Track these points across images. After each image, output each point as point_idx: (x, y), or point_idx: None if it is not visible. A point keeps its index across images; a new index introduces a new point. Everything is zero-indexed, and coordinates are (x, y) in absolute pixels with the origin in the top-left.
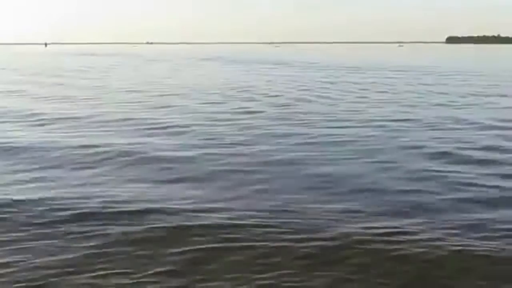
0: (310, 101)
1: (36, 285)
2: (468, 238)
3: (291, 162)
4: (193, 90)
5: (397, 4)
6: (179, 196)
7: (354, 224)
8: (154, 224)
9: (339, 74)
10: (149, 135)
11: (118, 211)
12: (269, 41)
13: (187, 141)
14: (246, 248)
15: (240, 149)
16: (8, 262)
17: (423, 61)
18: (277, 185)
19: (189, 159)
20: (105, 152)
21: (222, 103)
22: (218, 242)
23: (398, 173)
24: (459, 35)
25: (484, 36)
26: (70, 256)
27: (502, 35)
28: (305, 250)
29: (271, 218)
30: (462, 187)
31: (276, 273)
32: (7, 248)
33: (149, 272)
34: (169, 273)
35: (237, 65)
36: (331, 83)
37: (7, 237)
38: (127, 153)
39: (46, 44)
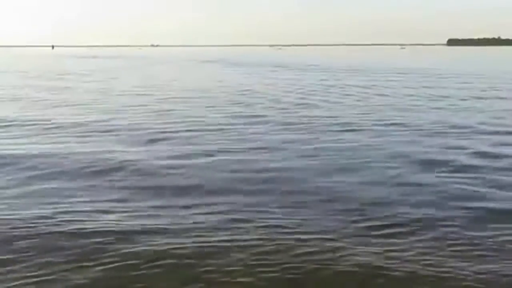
0: (308, 105)
1: None
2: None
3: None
4: (195, 94)
5: (399, 6)
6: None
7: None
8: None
9: (340, 77)
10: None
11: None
12: (271, 44)
13: (187, 149)
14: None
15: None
16: None
17: (425, 63)
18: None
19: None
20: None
21: (220, 107)
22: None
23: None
24: (460, 37)
25: (484, 38)
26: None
27: (503, 37)
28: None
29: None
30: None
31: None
32: None
33: None
34: None
35: (237, 67)
36: (332, 86)
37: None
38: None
39: (53, 47)
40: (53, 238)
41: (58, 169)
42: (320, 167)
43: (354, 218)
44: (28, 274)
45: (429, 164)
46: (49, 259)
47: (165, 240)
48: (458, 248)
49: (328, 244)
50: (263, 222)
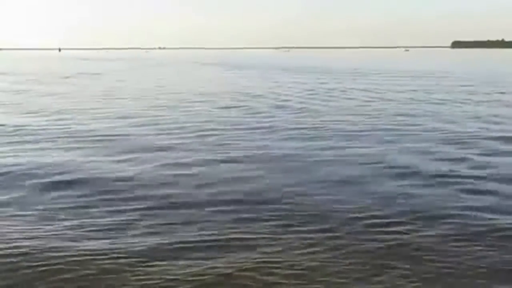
0: (309, 109)
1: None
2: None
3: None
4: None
5: (403, 9)
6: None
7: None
8: None
9: (343, 80)
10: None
11: None
12: (277, 46)
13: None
14: None
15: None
16: None
17: (429, 65)
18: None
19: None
20: None
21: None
22: None
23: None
24: (464, 40)
25: (488, 41)
26: None
27: (506, 39)
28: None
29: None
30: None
31: None
32: None
33: None
34: None
35: (238, 70)
36: (334, 89)
37: None
38: None
39: (60, 49)
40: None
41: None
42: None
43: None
44: None
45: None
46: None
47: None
48: None
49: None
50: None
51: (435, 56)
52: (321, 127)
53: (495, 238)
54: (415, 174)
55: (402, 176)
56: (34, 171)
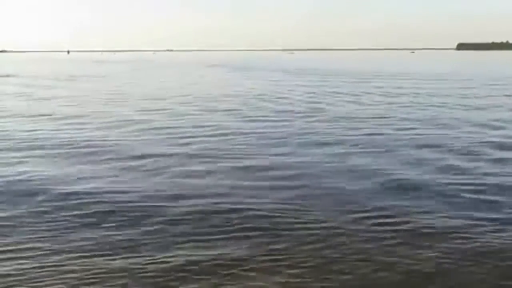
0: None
1: None
2: None
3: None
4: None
5: (409, 11)
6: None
7: None
8: None
9: (345, 82)
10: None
11: None
12: (284, 48)
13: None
14: None
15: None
16: None
17: (434, 67)
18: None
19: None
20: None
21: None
22: None
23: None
24: (469, 42)
25: (493, 43)
26: None
27: (511, 41)
28: None
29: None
30: None
31: None
32: None
33: None
34: None
35: (243, 72)
36: (339, 93)
37: None
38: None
39: (68, 52)
40: None
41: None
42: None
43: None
44: None
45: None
46: None
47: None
48: None
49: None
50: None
51: (441, 58)
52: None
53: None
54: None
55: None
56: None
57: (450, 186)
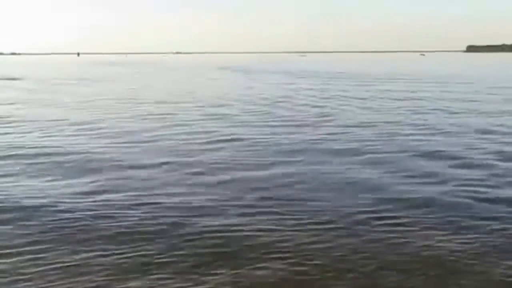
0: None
1: None
2: None
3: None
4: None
5: (418, 13)
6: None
7: None
8: None
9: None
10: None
11: None
12: (294, 50)
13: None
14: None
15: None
16: None
17: (444, 69)
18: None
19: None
20: None
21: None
22: None
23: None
24: (478, 44)
25: (503, 45)
26: None
27: None
28: None
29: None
30: None
31: None
32: None
33: None
34: None
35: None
36: (348, 97)
37: None
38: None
39: (78, 54)
40: None
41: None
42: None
43: None
44: None
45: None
46: None
47: None
48: None
49: None
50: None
51: (452, 60)
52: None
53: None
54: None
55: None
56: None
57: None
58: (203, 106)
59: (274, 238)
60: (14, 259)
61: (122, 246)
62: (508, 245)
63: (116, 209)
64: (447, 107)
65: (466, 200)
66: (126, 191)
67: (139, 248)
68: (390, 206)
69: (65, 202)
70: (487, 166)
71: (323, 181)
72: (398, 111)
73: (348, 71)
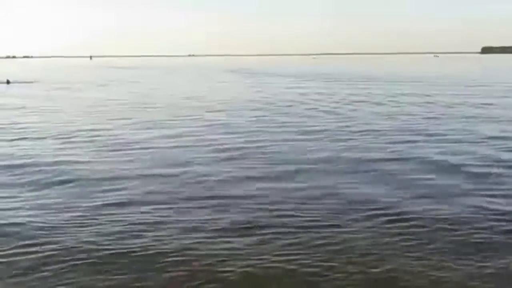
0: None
1: None
2: None
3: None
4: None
5: (431, 14)
6: None
7: None
8: None
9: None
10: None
11: None
12: (306, 53)
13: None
14: None
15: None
16: None
17: (458, 72)
18: None
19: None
20: None
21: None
22: None
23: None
24: (494, 45)
25: None
26: None
27: None
28: None
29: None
30: None
31: None
32: None
33: None
34: None
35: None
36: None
37: None
38: None
39: (91, 57)
40: None
41: None
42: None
43: None
44: None
45: None
46: None
47: None
48: None
49: None
50: None
51: (467, 63)
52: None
53: None
54: None
55: None
56: None
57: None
58: (215, 111)
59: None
60: None
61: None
62: None
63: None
64: (460, 111)
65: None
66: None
67: None
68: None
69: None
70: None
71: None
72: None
73: (360, 73)
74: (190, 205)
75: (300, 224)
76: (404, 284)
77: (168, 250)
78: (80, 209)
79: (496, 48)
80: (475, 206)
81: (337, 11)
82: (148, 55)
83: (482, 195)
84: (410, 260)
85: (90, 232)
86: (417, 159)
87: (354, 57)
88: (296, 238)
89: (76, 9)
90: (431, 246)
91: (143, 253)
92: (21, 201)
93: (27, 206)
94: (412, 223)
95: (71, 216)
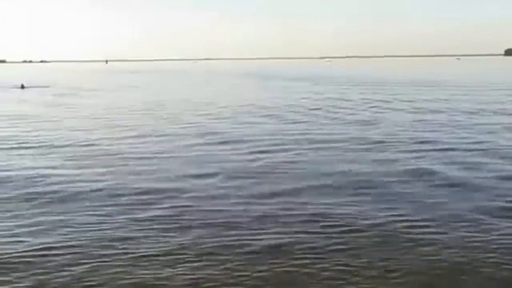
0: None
1: None
2: None
3: None
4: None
5: (454, 17)
6: None
7: None
8: None
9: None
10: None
11: None
12: (321, 56)
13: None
14: None
15: None
16: None
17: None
18: None
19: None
20: None
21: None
22: None
23: None
24: None
25: None
26: None
27: None
28: None
29: None
30: None
31: None
32: None
33: None
34: None
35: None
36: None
37: None
38: None
39: (106, 61)
40: None
41: None
42: None
43: None
44: None
45: None
46: None
47: None
48: None
49: None
50: None
51: (492, 65)
52: None
53: None
54: None
55: None
56: None
57: None
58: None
59: None
60: None
61: None
62: None
63: None
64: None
65: None
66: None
67: None
68: None
69: None
70: None
71: None
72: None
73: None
74: (217, 220)
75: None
76: None
77: None
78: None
79: None
80: None
81: (352, 14)
82: (166, 59)
83: None
84: None
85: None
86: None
87: (370, 61)
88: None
89: (91, 14)
90: None
91: None
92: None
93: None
94: None
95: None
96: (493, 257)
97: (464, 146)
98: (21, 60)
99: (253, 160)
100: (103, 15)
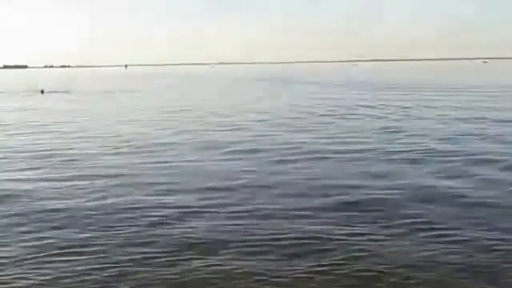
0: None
1: None
2: None
3: None
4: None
5: (480, 19)
6: None
7: None
8: None
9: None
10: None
11: None
12: (347, 59)
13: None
14: None
15: None
16: None
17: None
18: None
19: None
20: None
21: None
22: None
23: None
24: None
25: None
26: None
27: None
28: None
29: None
30: None
31: None
32: None
33: None
34: None
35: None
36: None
37: None
38: None
39: (126, 66)
40: None
41: None
42: None
43: None
44: None
45: None
46: None
47: None
48: None
49: None
50: None
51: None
52: None
53: None
54: None
55: None
56: None
57: None
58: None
59: None
60: None
61: None
62: None
63: None
64: None
65: None
66: None
67: None
68: None
69: None
70: None
71: None
72: None
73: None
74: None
75: None
76: None
77: None
78: None
79: None
80: None
81: (374, 17)
82: (184, 63)
83: None
84: None
85: None
86: None
87: (395, 64)
88: None
89: (107, 19)
90: None
91: None
92: None
93: None
94: None
95: None
96: None
97: None
98: (43, 65)
99: None
100: (120, 20)
